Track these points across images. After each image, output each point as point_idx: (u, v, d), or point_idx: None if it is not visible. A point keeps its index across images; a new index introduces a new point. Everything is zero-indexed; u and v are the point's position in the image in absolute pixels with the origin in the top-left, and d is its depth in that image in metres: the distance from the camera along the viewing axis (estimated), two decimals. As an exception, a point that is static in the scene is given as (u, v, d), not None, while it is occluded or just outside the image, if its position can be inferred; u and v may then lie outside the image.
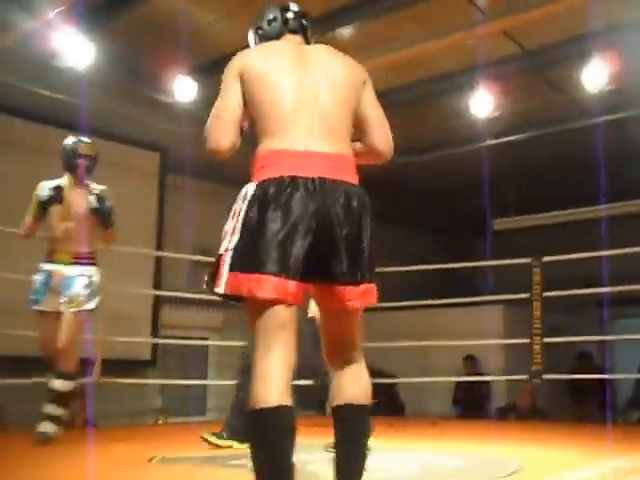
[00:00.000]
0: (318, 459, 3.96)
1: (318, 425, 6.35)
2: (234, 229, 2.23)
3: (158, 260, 8.11)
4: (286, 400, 2.02)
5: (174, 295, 7.74)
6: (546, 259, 7.20)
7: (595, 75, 6.69)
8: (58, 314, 4.72)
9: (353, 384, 2.25)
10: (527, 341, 7.11)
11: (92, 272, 4.86)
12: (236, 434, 4.43)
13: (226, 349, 8.77)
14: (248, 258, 2.14)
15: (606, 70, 6.61)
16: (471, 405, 8.92)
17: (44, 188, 4.93)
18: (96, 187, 5.02)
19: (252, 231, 2.16)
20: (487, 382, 8.95)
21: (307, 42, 2.59)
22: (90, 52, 6.46)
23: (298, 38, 2.57)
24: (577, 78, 6.83)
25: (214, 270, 2.23)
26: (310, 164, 2.20)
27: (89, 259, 4.90)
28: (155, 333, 8.13)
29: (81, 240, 4.85)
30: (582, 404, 8.81)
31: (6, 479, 3.28)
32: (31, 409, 4.73)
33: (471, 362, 9.07)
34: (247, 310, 2.18)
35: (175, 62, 7.02)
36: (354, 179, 2.28)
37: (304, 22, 2.61)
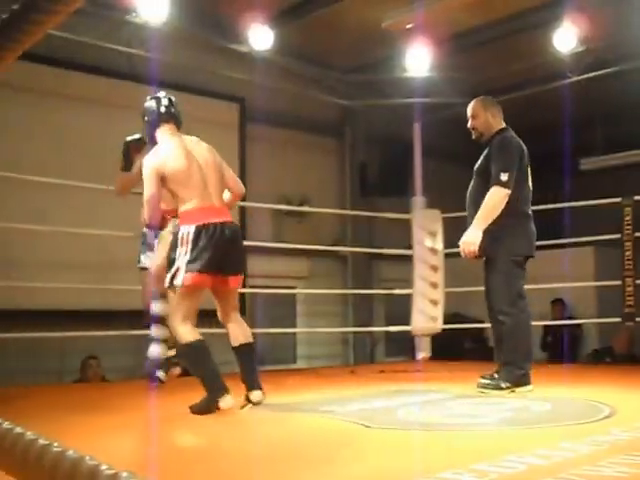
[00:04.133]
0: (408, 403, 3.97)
1: (407, 371, 6.38)
2: (186, 250, 3.74)
3: (242, 210, 8.14)
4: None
5: (260, 245, 7.77)
6: (637, 198, 6.91)
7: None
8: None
9: (241, 331, 4.05)
10: (619, 283, 6.88)
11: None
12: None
13: (313, 297, 8.83)
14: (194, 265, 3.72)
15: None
16: (561, 350, 8.74)
17: None
18: None
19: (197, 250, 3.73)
20: (578, 326, 8.74)
21: (178, 127, 4.11)
22: (164, 5, 6.44)
23: (172, 126, 4.08)
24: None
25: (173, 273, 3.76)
26: (215, 214, 3.83)
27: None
28: (244, 283, 8.19)
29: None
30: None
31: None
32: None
33: (559, 306, 8.85)
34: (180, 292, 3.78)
35: (251, 11, 6.96)
36: (230, 217, 3.94)
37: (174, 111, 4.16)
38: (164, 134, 4.02)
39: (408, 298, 7.13)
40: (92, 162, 6.78)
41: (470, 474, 2.14)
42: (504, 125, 4.62)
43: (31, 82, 6.77)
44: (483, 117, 4.61)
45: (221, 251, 3.75)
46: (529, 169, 4.56)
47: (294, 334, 8.90)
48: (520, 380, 4.36)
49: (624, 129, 9.33)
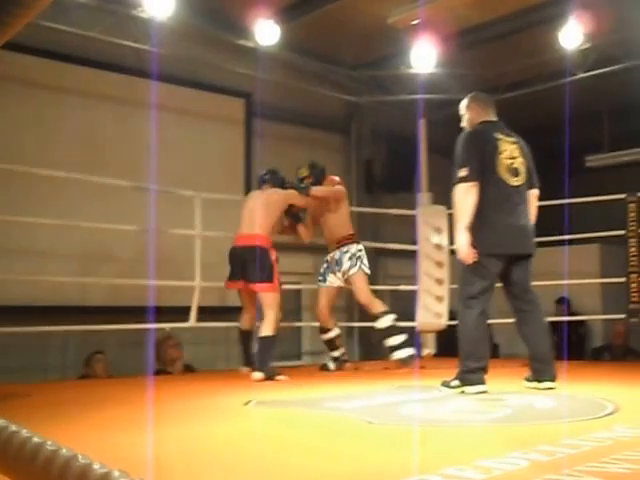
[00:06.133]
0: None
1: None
2: None
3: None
4: None
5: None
6: (641, 194, 6.89)
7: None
8: None
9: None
10: (623, 280, 6.87)
11: None
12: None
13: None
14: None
15: None
16: (566, 348, 8.71)
17: None
18: None
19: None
20: (583, 323, 8.73)
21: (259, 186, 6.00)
22: (171, 0, 6.44)
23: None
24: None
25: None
26: (237, 239, 5.67)
27: None
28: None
29: None
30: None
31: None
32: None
33: (562, 305, 8.84)
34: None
35: (257, 6, 6.96)
36: (253, 241, 5.57)
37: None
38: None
39: (413, 294, 7.13)
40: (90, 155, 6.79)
41: (473, 470, 2.13)
42: (483, 119, 4.54)
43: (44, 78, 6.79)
44: (467, 115, 4.61)
45: (236, 265, 5.60)
46: (511, 162, 4.40)
47: (299, 330, 8.90)
48: (467, 380, 4.25)
49: (630, 126, 9.31)
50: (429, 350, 7.42)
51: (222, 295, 7.48)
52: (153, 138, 6.23)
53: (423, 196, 7.54)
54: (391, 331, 6.07)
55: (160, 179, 6.24)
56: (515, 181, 4.38)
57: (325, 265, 6.32)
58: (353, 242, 6.18)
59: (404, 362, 6.03)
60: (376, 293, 9.22)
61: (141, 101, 5.62)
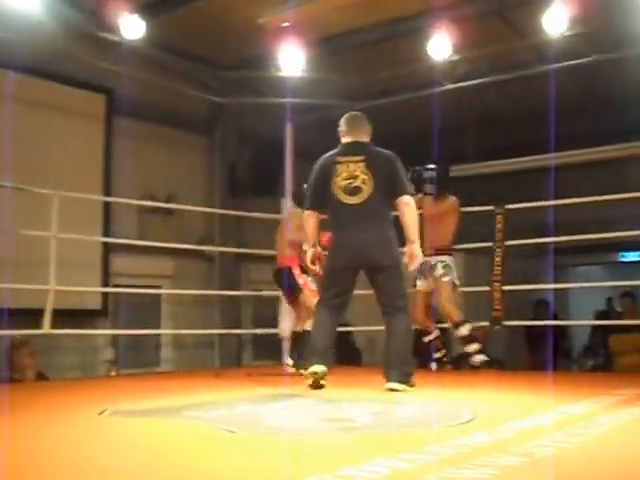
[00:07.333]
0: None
1: (274, 375, 6.29)
2: None
3: (107, 206, 7.85)
4: None
5: (124, 242, 7.51)
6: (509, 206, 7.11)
7: (556, 19, 6.54)
8: None
9: None
10: (487, 289, 7.06)
11: None
12: None
13: (179, 298, 8.61)
14: None
15: (567, 14, 6.46)
16: (424, 356, 8.87)
17: None
18: None
19: None
20: (445, 331, 8.91)
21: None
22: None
23: None
24: (539, 22, 6.67)
25: None
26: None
27: None
28: (106, 282, 7.92)
29: None
30: (538, 352, 8.85)
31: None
32: None
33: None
34: None
35: (122, -1, 6.71)
36: (283, 262, 6.15)
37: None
38: None
39: (277, 300, 7.06)
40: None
41: (336, 479, 2.10)
42: (343, 141, 4.93)
43: None
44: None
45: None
46: (348, 182, 4.72)
47: (158, 336, 8.65)
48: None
49: (496, 138, 9.61)
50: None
51: (81, 298, 7.22)
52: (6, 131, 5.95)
53: (288, 201, 7.47)
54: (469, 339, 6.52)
55: (15, 175, 5.99)
56: (352, 200, 4.71)
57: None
58: None
59: (479, 367, 6.43)
60: (239, 298, 9.16)
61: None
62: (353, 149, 4.81)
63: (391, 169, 4.75)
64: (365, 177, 4.68)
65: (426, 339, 6.66)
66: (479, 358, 6.48)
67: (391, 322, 4.72)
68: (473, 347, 6.50)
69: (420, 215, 6.40)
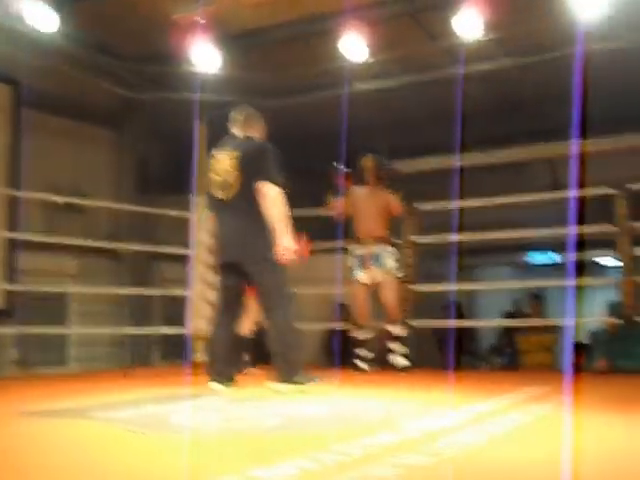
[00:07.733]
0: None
1: (182, 374, 6.22)
2: None
3: (13, 200, 7.57)
4: None
5: (30, 239, 7.27)
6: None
7: (468, 23, 6.63)
8: None
9: None
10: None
11: None
12: None
13: (88, 296, 8.40)
14: None
15: (480, 18, 6.56)
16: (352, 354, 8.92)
17: None
18: None
19: None
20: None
21: None
22: None
23: None
24: (451, 25, 6.76)
25: None
26: None
27: None
28: (11, 280, 7.65)
29: None
30: (448, 353, 8.98)
31: None
32: None
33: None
34: None
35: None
36: None
37: None
38: None
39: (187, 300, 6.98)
40: None
41: None
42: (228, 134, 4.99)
43: None
44: None
45: None
46: (218, 177, 4.74)
47: (64, 335, 8.41)
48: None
49: (406, 138, 9.69)
50: (201, 356, 7.28)
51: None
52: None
53: (197, 198, 7.37)
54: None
55: None
56: (221, 195, 4.71)
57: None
58: None
59: (402, 370, 6.38)
60: (150, 297, 9.00)
61: None
62: (231, 142, 4.81)
63: (260, 160, 4.65)
64: (237, 172, 4.62)
65: (360, 336, 6.47)
66: (403, 362, 6.44)
67: (268, 320, 4.65)
68: (402, 350, 6.46)
69: (353, 206, 6.56)
